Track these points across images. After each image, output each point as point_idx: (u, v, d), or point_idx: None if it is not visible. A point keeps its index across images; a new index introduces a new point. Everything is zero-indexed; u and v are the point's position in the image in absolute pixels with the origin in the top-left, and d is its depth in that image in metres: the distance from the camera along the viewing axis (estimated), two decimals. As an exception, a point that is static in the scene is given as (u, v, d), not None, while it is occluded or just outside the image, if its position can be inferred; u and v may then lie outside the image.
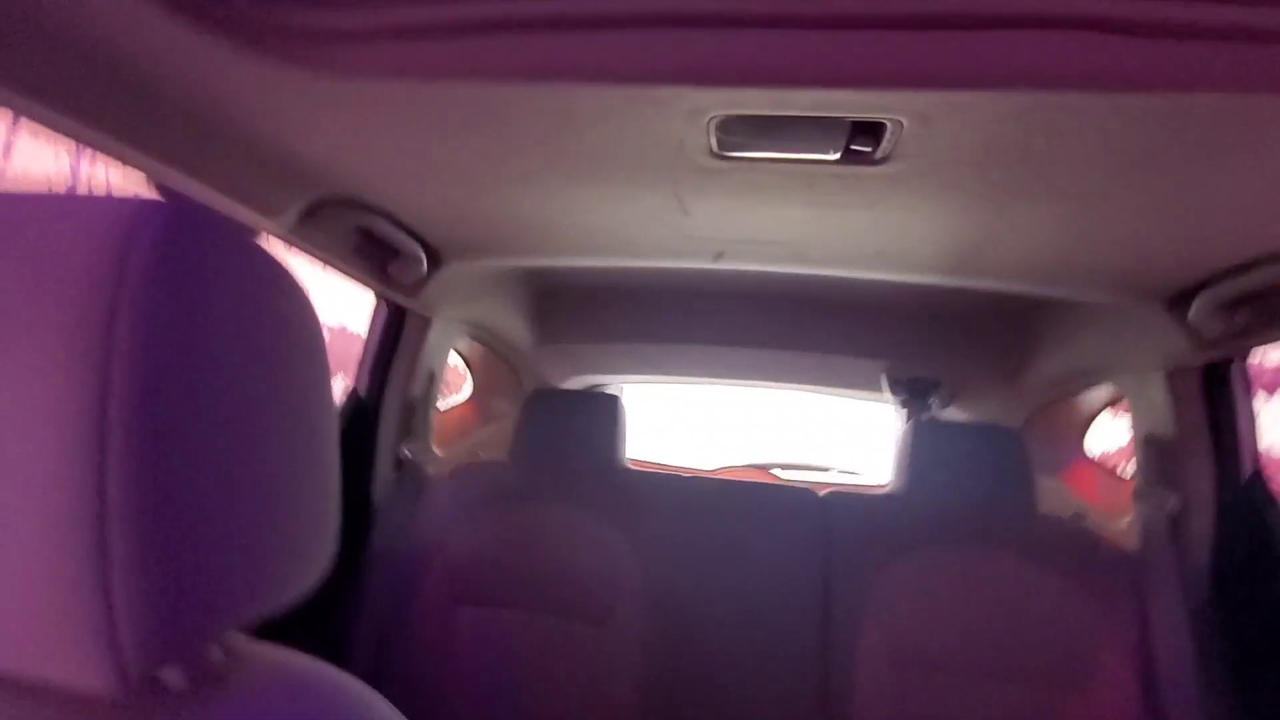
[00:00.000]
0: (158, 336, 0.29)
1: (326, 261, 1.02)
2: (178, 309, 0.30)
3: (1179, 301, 1.00)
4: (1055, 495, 1.57)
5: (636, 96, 0.60)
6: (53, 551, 0.28)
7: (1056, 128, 0.60)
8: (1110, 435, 1.94)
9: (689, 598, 1.23)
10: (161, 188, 0.77)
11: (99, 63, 0.59)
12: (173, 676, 0.35)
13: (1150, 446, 1.20)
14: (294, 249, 0.95)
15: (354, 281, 1.13)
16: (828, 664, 1.16)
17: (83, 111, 0.61)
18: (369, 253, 1.07)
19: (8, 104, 0.57)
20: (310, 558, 0.38)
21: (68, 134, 0.63)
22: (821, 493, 1.34)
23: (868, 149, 0.66)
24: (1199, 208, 0.73)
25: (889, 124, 0.61)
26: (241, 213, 0.83)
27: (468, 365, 1.87)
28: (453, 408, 1.86)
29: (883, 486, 1.34)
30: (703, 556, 1.26)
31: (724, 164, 0.73)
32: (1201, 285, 0.94)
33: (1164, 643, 1.06)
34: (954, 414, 1.77)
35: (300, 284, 0.38)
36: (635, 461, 2.10)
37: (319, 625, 1.23)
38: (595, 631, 1.20)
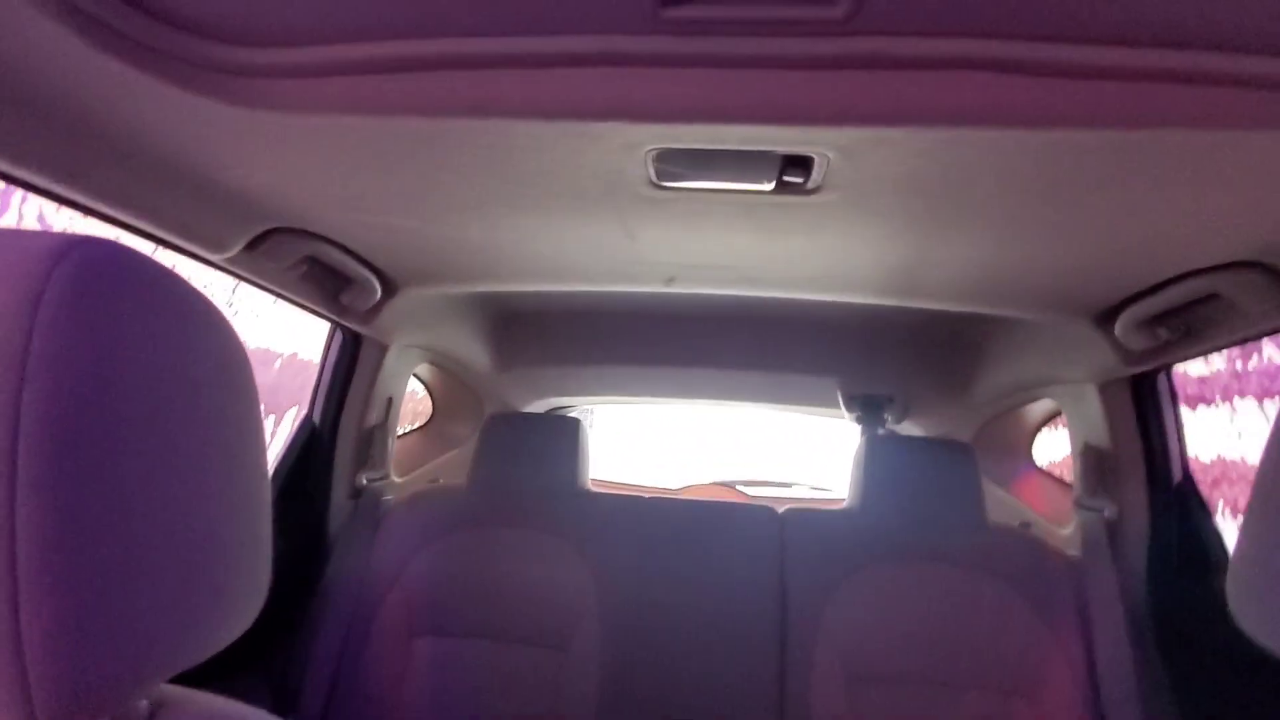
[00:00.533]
0: (73, 374, 0.28)
1: (276, 292, 1.01)
2: (94, 347, 0.29)
3: (1106, 318, 1.05)
4: (1005, 505, 1.62)
5: (573, 131, 0.62)
6: None
7: (970, 162, 0.63)
8: (1058, 445, 2.01)
9: (648, 620, 1.23)
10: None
11: (36, 103, 0.59)
12: None
13: (1087, 456, 1.25)
14: (242, 280, 0.95)
15: (307, 311, 1.12)
16: (785, 681, 1.17)
17: (17, 153, 0.60)
18: (320, 281, 1.07)
19: None
20: (241, 603, 0.37)
21: (5, 177, 0.62)
22: (781, 509, 1.36)
23: (799, 179, 0.69)
24: (1111, 234, 0.78)
25: (816, 157, 0.64)
26: (185, 246, 0.82)
27: (429, 390, 1.86)
28: (413, 433, 1.84)
29: (842, 501, 1.37)
30: (662, 578, 1.26)
31: (664, 194, 0.75)
32: (1124, 303, 0.99)
33: (1105, 644, 1.10)
34: (909, 428, 1.82)
35: (226, 320, 0.38)
36: (598, 482, 2.09)
37: (271, 661, 1.20)
38: (556, 658, 1.20)
